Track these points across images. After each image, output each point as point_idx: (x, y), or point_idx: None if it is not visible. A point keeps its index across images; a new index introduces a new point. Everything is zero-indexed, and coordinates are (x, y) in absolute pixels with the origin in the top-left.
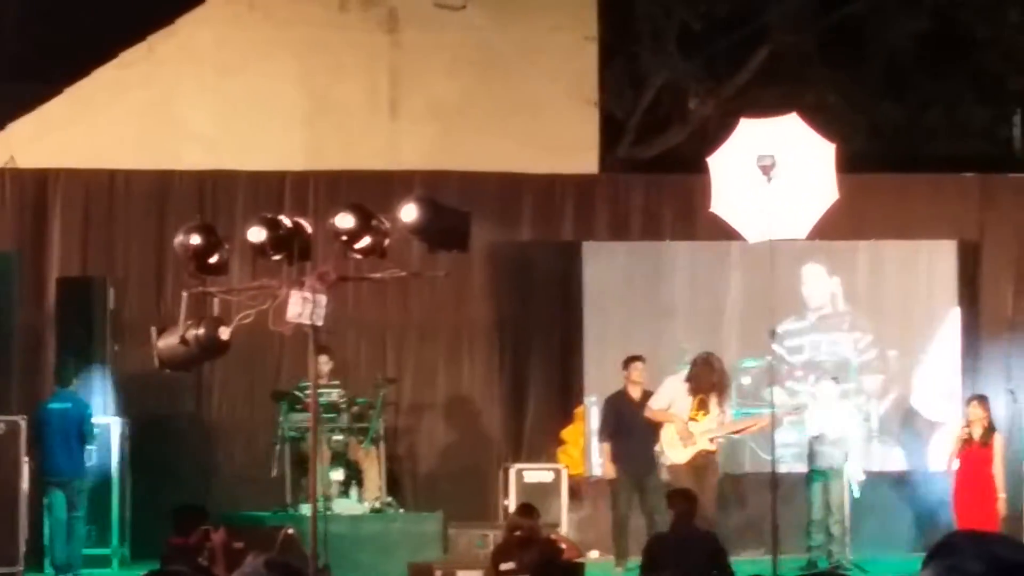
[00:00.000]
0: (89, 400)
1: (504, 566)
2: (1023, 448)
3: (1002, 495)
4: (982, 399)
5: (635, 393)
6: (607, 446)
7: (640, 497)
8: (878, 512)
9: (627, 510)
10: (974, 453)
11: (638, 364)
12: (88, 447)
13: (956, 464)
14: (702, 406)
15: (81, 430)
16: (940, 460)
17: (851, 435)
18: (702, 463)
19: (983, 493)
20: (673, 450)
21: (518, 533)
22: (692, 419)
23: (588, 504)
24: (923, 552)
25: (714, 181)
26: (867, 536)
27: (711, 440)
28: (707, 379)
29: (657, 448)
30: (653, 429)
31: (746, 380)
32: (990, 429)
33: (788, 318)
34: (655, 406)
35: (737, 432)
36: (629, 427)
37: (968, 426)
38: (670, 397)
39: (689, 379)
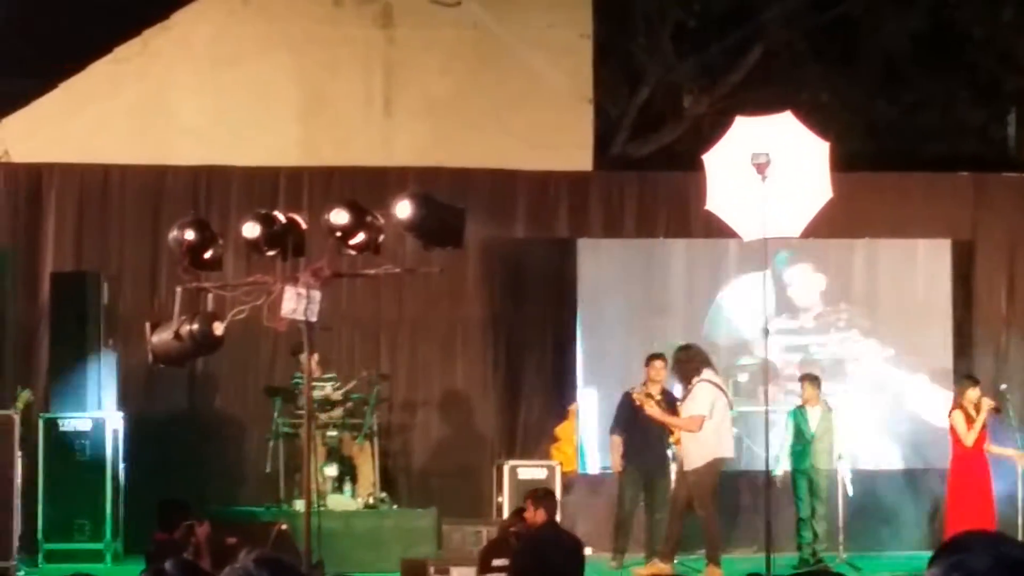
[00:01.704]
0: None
1: (497, 562)
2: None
3: None
4: (976, 380)
5: (654, 390)
6: (617, 439)
7: (646, 494)
8: (875, 510)
9: (632, 507)
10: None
11: (657, 362)
12: None
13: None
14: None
15: None
16: (939, 456)
17: (835, 433)
18: (680, 458)
19: (982, 472)
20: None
21: (514, 529)
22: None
23: (581, 501)
24: (920, 551)
25: (709, 178)
26: (864, 534)
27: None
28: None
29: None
30: (667, 428)
31: (743, 378)
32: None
33: (782, 316)
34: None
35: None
36: (644, 424)
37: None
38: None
39: None
